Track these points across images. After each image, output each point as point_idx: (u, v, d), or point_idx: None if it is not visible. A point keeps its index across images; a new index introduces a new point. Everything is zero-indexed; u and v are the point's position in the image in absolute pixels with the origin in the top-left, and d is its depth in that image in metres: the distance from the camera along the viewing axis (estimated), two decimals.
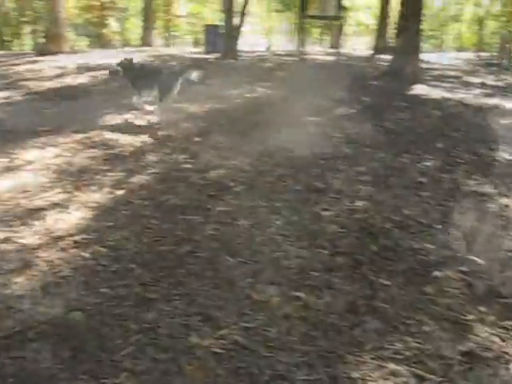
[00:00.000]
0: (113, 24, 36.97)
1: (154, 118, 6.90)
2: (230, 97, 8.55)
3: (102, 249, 3.39)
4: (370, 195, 4.38)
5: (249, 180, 4.67)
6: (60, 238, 3.55)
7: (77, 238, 3.55)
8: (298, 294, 2.94)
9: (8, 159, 5.27)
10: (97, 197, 4.25)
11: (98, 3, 33.02)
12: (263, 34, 50.90)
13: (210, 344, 2.49)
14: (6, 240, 3.51)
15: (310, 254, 3.41)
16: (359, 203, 4.20)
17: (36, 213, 3.95)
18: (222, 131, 6.34)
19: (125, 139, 5.96)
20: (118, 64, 7.19)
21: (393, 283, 3.05)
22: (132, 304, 2.81)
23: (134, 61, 7.30)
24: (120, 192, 4.35)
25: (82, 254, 3.33)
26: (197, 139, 5.94)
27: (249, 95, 8.74)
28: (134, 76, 7.04)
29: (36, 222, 3.78)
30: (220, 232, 3.67)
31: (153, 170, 4.88)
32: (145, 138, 6.02)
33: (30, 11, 37.67)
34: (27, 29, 42.69)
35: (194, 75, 7.30)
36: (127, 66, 7.14)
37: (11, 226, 3.74)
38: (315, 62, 14.93)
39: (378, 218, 3.92)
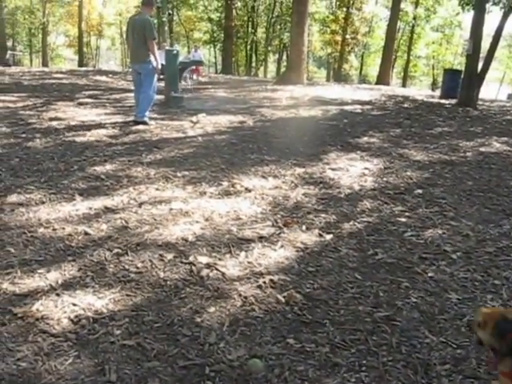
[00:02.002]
0: (352, 59, 37.81)
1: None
2: (461, 148, 7.99)
3: (298, 295, 3.28)
4: None
5: (468, 247, 4.21)
6: (260, 274, 3.54)
7: (276, 277, 3.50)
8: None
9: (229, 183, 5.51)
10: (304, 237, 4.18)
11: (341, 39, 34.01)
12: (505, 82, 47.73)
13: None
14: (210, 266, 3.62)
15: None
16: None
17: (243, 243, 4.02)
18: (447, 185, 5.90)
19: (344, 180, 5.86)
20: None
21: None
22: (316, 364, 2.65)
23: None
24: (328, 236, 4.23)
25: (278, 296, 3.27)
26: (418, 191, 5.60)
27: (483, 149, 8.08)
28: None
29: (241, 253, 3.83)
30: (425, 302, 3.33)
31: (366, 219, 4.67)
32: (364, 182, 5.85)
33: (277, 42, 40.49)
34: (272, 57, 45.91)
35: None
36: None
37: (218, 252, 3.85)
38: None
39: None
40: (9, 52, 35.03)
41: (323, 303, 3.24)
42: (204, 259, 3.70)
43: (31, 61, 47.78)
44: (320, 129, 8.98)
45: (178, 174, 5.77)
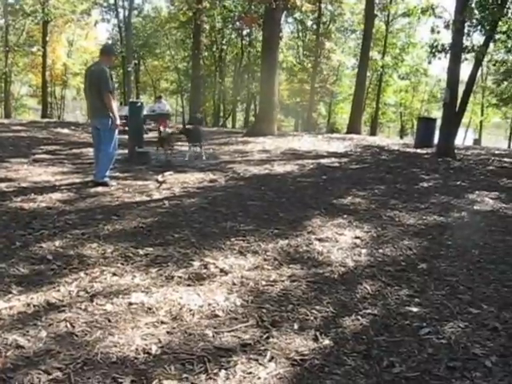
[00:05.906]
0: (321, 108, 37.76)
1: None
2: (454, 207, 7.32)
3: None
4: None
5: (500, 347, 3.38)
6: None
7: None
8: None
9: (201, 263, 4.63)
10: (299, 343, 3.29)
11: (310, 87, 33.86)
12: (471, 127, 48.35)
13: None
14: None
15: None
16: None
17: (222, 355, 3.09)
18: (452, 256, 5.15)
19: (335, 254, 5.04)
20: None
21: None
22: None
23: None
24: (327, 341, 3.35)
25: None
26: (422, 266, 4.81)
27: (477, 207, 7.42)
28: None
29: (220, 373, 2.90)
30: None
31: (370, 310, 3.81)
32: (358, 256, 5.05)
33: (245, 91, 40.24)
34: (240, 107, 45.61)
35: None
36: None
37: (190, 371, 2.92)
38: None
39: None
40: None
41: None
42: None
43: None
44: (298, 187, 8.21)
45: (140, 252, 4.86)
